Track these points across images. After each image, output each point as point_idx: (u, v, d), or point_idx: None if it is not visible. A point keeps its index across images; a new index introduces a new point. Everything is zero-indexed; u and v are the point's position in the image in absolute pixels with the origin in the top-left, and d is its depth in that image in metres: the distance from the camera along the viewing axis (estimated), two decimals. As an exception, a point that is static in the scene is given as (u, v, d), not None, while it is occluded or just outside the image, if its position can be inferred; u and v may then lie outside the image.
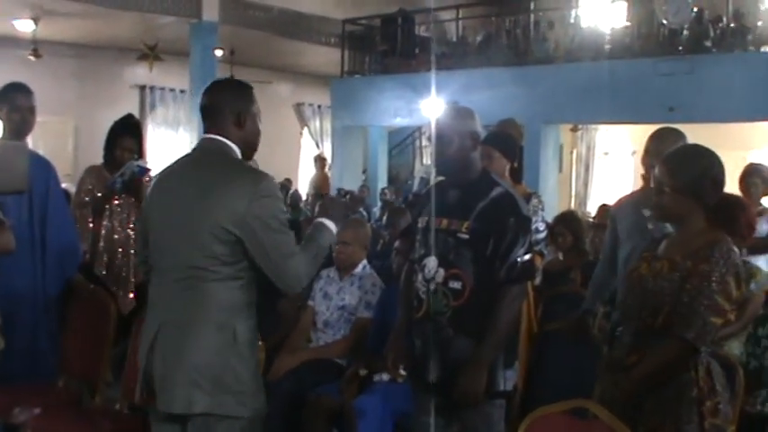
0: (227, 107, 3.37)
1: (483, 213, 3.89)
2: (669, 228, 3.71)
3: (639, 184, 5.11)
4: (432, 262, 3.96)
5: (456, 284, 3.88)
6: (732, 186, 14.58)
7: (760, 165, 7.04)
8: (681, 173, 3.40)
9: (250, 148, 3.43)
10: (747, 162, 14.21)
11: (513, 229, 3.86)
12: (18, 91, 5.05)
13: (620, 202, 5.09)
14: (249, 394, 3.29)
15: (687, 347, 3.28)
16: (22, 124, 5.02)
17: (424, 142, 19.46)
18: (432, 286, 3.94)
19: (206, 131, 3.40)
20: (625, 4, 14.83)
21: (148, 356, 3.33)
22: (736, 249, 3.31)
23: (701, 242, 3.35)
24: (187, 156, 3.52)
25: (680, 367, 3.34)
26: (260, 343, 3.85)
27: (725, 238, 3.36)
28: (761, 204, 6.86)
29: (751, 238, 3.84)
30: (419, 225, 4.13)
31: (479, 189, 3.97)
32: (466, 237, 3.87)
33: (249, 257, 3.23)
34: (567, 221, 7.07)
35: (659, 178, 3.46)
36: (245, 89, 3.49)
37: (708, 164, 3.44)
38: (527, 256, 3.91)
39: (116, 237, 6.08)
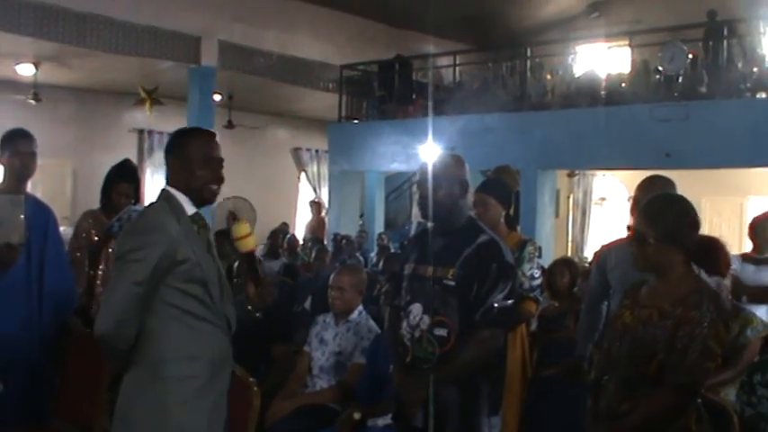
0: (167, 158, 3.53)
1: (468, 260, 3.90)
2: None
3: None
4: (416, 309, 3.97)
5: (442, 332, 3.89)
6: (729, 231, 14.57)
7: None
8: (660, 221, 3.47)
9: (192, 191, 3.49)
10: (745, 208, 14.28)
11: (495, 274, 3.87)
12: (20, 137, 5.09)
13: (611, 247, 5.08)
14: None
15: (684, 394, 3.33)
16: (23, 169, 5.05)
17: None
18: (416, 333, 3.95)
19: None
20: (621, 51, 14.94)
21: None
22: (722, 292, 3.36)
23: (686, 288, 3.41)
24: None
25: (675, 414, 3.37)
26: (255, 389, 3.85)
27: (707, 283, 3.42)
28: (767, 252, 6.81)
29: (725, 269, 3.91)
30: (405, 272, 4.15)
31: (465, 236, 3.99)
32: (452, 284, 3.88)
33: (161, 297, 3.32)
34: (566, 263, 7.12)
35: (641, 230, 3.51)
36: (177, 137, 3.59)
37: (683, 209, 3.52)
38: (507, 302, 3.89)
39: (113, 281, 6.08)
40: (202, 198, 3.52)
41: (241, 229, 3.65)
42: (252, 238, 3.65)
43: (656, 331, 3.40)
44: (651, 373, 3.38)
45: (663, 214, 3.49)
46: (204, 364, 3.38)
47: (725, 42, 12.76)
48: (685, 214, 3.50)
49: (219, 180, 3.55)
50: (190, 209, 3.48)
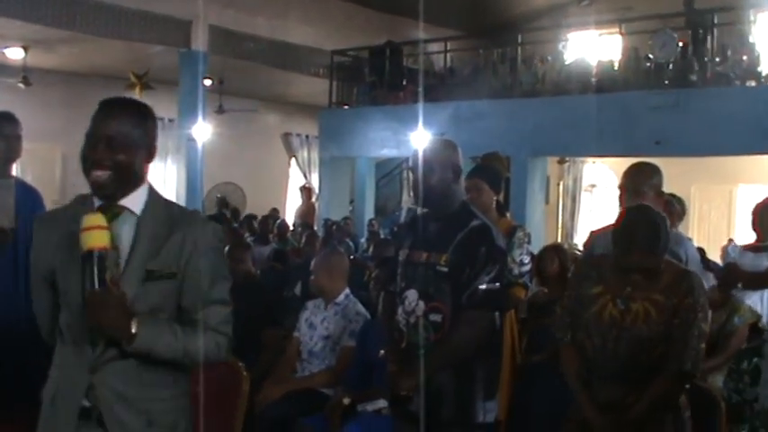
0: None
1: (459, 245, 3.88)
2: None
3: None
4: (412, 295, 3.95)
5: (436, 317, 3.88)
6: (719, 219, 14.59)
7: None
8: (661, 247, 3.65)
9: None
10: (734, 195, 14.30)
11: (483, 257, 3.84)
12: (4, 120, 5.07)
13: (599, 233, 5.03)
14: None
15: (688, 379, 3.58)
16: (8, 152, 5.04)
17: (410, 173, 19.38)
18: (412, 319, 3.94)
19: None
20: (612, 38, 14.94)
21: None
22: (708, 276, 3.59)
23: (670, 275, 3.62)
24: None
25: (676, 396, 3.61)
26: (244, 374, 3.83)
27: (687, 269, 3.74)
28: None
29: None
30: (399, 258, 4.13)
31: (458, 221, 3.97)
32: (445, 270, 3.87)
33: None
34: (555, 249, 7.13)
35: (647, 264, 3.66)
36: None
37: (659, 223, 3.68)
38: (494, 285, 3.86)
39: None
40: (92, 188, 2.87)
41: (92, 219, 2.69)
42: (100, 234, 2.63)
43: (659, 328, 3.55)
44: (652, 362, 3.56)
45: (657, 240, 3.63)
46: (52, 389, 2.96)
47: (714, 31, 12.78)
48: (665, 225, 3.66)
49: (94, 163, 2.86)
50: (97, 200, 2.92)
